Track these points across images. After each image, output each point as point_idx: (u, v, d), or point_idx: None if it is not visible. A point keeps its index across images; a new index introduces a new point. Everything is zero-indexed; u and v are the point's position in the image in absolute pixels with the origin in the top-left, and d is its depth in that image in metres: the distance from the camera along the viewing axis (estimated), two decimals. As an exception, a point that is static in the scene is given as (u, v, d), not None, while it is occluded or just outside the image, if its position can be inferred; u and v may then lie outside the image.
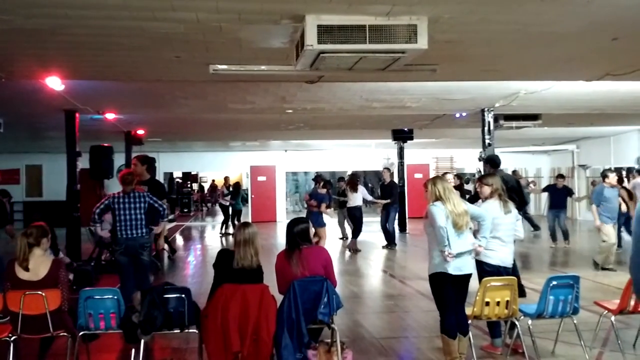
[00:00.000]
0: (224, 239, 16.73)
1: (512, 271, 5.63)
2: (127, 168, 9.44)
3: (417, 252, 12.75)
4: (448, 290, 4.92)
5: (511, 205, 5.52)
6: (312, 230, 11.12)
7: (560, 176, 13.89)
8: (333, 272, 5.11)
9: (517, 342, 5.38)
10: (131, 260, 6.58)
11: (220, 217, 18.85)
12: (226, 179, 18.31)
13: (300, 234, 5.08)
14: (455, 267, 4.84)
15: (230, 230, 17.16)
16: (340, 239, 15.19)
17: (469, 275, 4.98)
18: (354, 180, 14.01)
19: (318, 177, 13.85)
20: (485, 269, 5.32)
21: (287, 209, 23.45)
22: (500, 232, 5.36)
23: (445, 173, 11.24)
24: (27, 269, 4.84)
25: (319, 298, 4.83)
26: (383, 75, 5.84)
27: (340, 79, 7.53)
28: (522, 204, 7.00)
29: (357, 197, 13.50)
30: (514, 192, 6.45)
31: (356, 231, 13.37)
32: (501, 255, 5.40)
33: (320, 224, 11.51)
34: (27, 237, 4.91)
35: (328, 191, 12.14)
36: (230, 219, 17.42)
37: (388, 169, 14.66)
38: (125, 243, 6.51)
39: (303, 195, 20.36)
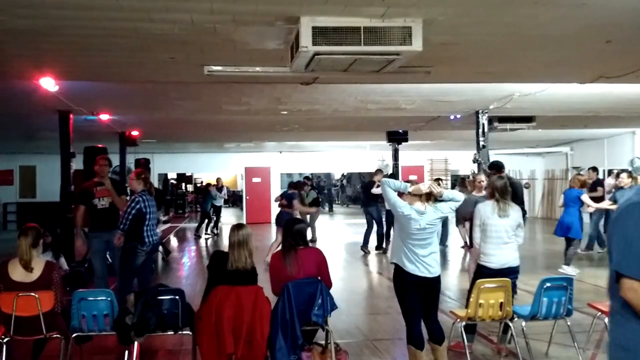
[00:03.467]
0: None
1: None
2: (137, 169, 9.42)
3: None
4: (412, 293, 4.61)
5: (511, 210, 5.42)
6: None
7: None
8: (327, 273, 5.09)
9: (510, 343, 5.40)
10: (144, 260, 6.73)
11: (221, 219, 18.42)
12: (218, 180, 18.25)
13: (297, 234, 5.08)
14: (415, 268, 4.55)
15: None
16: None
17: (435, 279, 4.65)
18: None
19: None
20: (484, 272, 5.32)
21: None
22: (494, 235, 5.36)
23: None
24: (29, 269, 4.79)
25: (313, 300, 4.83)
26: (378, 77, 5.84)
27: (335, 81, 7.53)
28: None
29: None
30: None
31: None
32: (502, 258, 5.38)
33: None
34: (27, 237, 4.88)
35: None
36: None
37: (381, 170, 14.05)
38: (153, 244, 6.73)
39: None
